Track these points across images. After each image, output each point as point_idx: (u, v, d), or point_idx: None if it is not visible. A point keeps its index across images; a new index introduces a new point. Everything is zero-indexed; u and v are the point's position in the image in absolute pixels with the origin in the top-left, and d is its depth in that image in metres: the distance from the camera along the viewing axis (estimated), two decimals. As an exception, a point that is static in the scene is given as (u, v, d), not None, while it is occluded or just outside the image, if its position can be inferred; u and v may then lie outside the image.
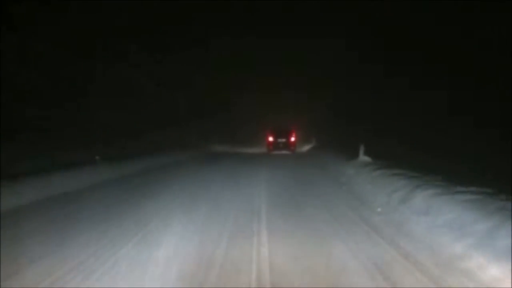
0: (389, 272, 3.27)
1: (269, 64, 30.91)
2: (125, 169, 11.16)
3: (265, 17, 29.92)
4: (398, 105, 23.92)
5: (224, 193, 7.51)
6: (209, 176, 10.28)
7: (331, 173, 10.39)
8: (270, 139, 20.59)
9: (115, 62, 21.71)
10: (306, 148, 22.77)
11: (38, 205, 6.51)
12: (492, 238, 3.39)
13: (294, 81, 30.66)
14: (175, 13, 24.98)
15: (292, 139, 20.42)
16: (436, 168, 7.82)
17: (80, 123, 15.78)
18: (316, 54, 28.65)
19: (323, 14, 27.57)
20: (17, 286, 3.11)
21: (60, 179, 8.04)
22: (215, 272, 3.40)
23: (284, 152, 20.19)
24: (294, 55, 30.17)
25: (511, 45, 22.37)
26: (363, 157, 9.64)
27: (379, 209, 5.65)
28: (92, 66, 18.52)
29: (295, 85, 30.73)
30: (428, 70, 24.21)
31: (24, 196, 6.66)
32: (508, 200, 4.10)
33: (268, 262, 3.56)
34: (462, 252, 3.55)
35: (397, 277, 3.18)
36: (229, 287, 3.11)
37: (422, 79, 24.16)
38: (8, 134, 11.17)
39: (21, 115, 13.11)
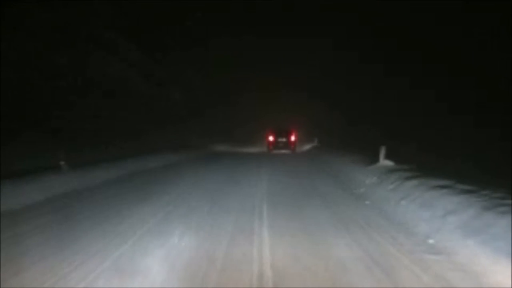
0: None
1: (269, 63, 28.98)
2: (100, 175, 8.72)
3: (265, 17, 27.96)
4: (398, 105, 22.07)
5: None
6: (201, 192, 7.68)
7: (345, 181, 8.02)
8: (270, 138, 19.48)
9: (115, 62, 19.82)
10: (306, 147, 20.92)
11: None
12: None
13: (294, 81, 28.74)
14: (175, 13, 23.12)
15: (292, 138, 19.29)
16: (474, 176, 5.89)
17: (80, 123, 14.81)
18: (316, 54, 26.72)
19: (323, 14, 25.65)
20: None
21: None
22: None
23: (284, 151, 19.08)
24: (294, 55, 28.29)
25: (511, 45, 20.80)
26: (384, 162, 7.46)
27: (430, 241, 3.68)
28: (92, 67, 17.42)
29: (295, 85, 28.83)
30: (428, 70, 22.44)
31: None
32: None
33: None
34: None
35: None
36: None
37: (422, 78, 22.38)
38: (8, 134, 10.34)
39: (21, 115, 12.26)
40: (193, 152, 17.98)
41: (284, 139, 19.33)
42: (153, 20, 23.41)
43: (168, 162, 13.20)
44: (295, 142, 19.42)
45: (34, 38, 14.38)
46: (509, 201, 3.73)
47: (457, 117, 21.49)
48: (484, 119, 20.53)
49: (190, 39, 24.66)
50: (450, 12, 22.99)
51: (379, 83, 23.16)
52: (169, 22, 23.90)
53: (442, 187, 4.86)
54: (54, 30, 15.37)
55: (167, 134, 20.74)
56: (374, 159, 8.67)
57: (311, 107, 28.29)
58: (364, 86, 24.42)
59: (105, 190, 7.22)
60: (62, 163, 7.94)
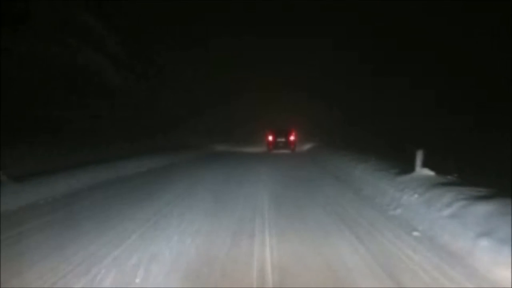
0: None
1: (269, 63, 27.18)
2: (59, 186, 6.61)
3: (265, 17, 26.06)
4: (398, 105, 20.19)
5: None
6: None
7: (369, 195, 5.82)
8: (270, 138, 18.41)
9: (114, 63, 18.36)
10: (307, 147, 19.27)
11: None
12: None
13: (294, 81, 26.93)
14: (175, 13, 21.26)
15: (292, 138, 18.27)
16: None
17: (81, 123, 13.76)
18: (316, 54, 24.85)
19: (323, 14, 23.75)
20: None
21: None
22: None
23: (284, 151, 18.16)
24: (294, 55, 26.45)
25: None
26: (422, 171, 5.34)
27: None
28: (90, 67, 16.21)
29: (295, 85, 26.99)
30: (428, 70, 20.58)
31: None
32: None
33: None
34: None
35: None
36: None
37: (422, 78, 20.52)
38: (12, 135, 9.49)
39: (22, 116, 11.18)
40: (193, 152, 16.90)
41: (283, 139, 18.29)
42: (153, 20, 21.57)
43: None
44: (294, 141, 18.44)
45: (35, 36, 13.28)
46: None
47: (457, 117, 19.73)
48: (484, 119, 18.82)
49: (190, 39, 22.79)
50: (450, 12, 21.15)
51: (379, 83, 21.22)
52: (169, 22, 22.02)
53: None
54: (50, 29, 14.30)
55: (167, 134, 19.56)
56: (396, 164, 6.65)
57: (311, 107, 26.50)
58: (364, 86, 22.48)
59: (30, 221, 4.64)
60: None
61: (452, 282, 2.74)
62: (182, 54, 22.63)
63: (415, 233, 3.85)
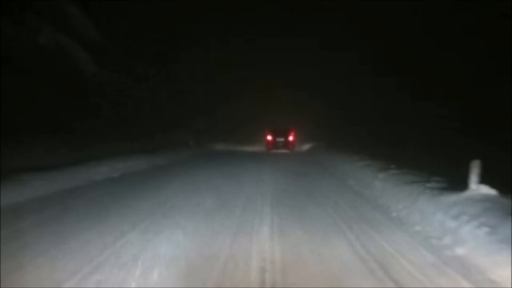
0: None
1: (269, 63, 26.33)
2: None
3: (265, 17, 25.09)
4: (398, 105, 19.03)
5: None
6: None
7: (402, 220, 4.09)
8: (269, 138, 17.98)
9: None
10: (306, 147, 18.31)
11: None
12: None
13: (294, 81, 26.00)
14: (175, 13, 20.12)
15: (291, 138, 17.85)
16: None
17: (81, 123, 13.28)
18: (316, 54, 23.81)
19: (323, 14, 22.69)
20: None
21: None
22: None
23: (282, 151, 17.65)
24: (294, 55, 25.54)
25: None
26: (479, 188, 3.71)
27: None
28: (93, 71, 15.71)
29: (295, 85, 26.07)
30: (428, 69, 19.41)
31: None
32: None
33: None
34: None
35: None
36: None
37: (422, 78, 19.35)
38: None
39: (22, 115, 10.78)
40: (193, 152, 16.47)
41: (282, 139, 17.81)
42: (153, 20, 20.54)
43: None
44: (293, 142, 18.04)
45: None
46: None
47: (457, 117, 18.52)
48: (484, 119, 17.66)
49: (190, 39, 21.69)
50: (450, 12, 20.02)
51: (379, 83, 20.11)
52: (169, 22, 20.98)
53: None
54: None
55: (167, 134, 18.88)
56: (429, 174, 5.26)
57: (311, 107, 25.39)
58: (364, 86, 21.43)
59: None
60: None
61: None
62: (182, 54, 21.70)
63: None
